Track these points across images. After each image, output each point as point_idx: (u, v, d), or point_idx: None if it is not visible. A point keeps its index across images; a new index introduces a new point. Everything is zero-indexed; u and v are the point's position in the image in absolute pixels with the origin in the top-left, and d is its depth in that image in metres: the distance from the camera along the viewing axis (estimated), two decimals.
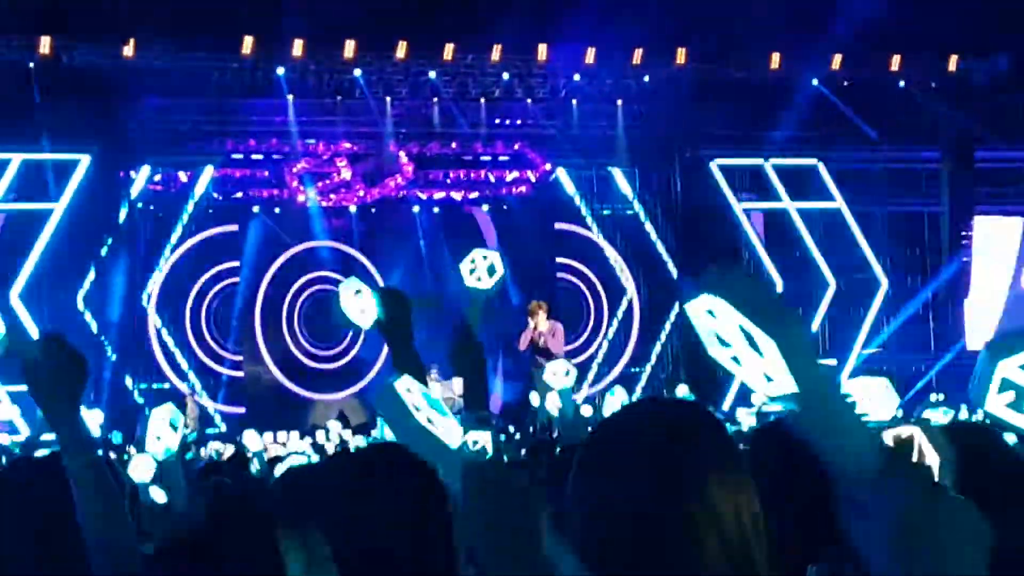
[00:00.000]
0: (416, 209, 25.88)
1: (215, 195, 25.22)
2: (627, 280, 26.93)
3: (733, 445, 2.32)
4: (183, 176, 25.02)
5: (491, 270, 5.82)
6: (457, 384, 24.88)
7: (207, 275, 25.64)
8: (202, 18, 23.12)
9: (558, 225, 26.60)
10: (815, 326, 26.46)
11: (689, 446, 2.24)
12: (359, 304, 5.20)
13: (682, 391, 22.93)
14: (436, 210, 26.02)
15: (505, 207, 26.10)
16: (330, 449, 17.24)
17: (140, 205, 24.68)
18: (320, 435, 19.56)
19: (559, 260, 26.79)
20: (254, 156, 25.27)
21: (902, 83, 26.66)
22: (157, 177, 24.87)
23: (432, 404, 2.84)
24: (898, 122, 26.35)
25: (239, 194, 25.29)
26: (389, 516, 3.04)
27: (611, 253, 26.77)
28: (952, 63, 26.82)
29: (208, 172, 24.92)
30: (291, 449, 18.15)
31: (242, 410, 24.94)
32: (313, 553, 2.35)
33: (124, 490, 4.19)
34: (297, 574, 2.53)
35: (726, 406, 22.86)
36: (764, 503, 2.31)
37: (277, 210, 25.34)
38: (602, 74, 25.94)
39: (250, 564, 2.62)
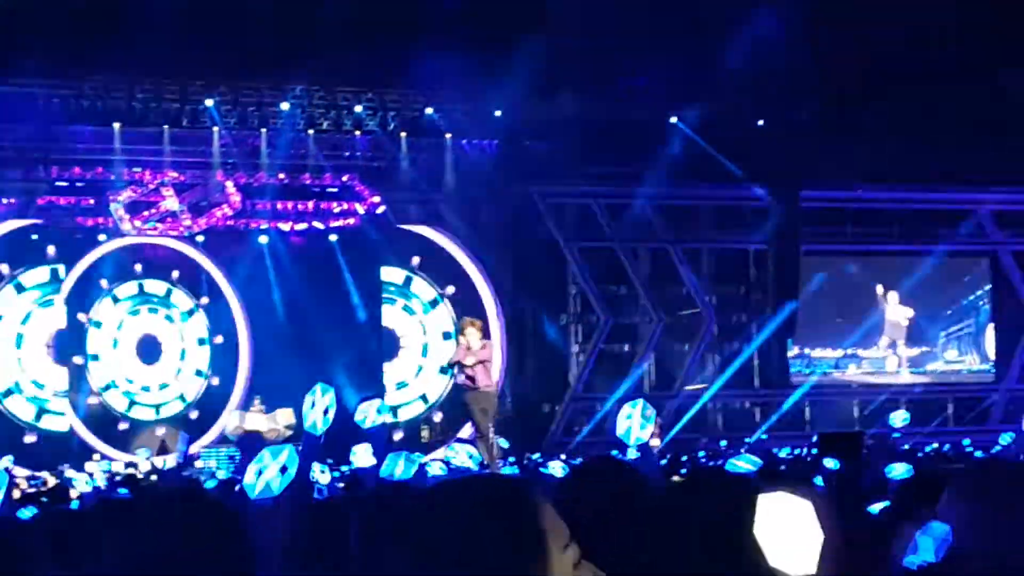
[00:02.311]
0: (264, 240, 26.17)
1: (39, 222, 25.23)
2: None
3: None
4: (5, 202, 25.07)
5: (325, 412, 6.15)
6: (282, 415, 25.29)
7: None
8: (31, 42, 23.22)
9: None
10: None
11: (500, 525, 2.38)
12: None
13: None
14: (263, 239, 26.27)
15: (333, 239, 26.44)
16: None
17: None
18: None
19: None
20: (79, 184, 25.28)
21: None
22: None
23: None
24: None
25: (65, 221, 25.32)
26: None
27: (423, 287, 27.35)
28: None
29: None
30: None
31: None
32: None
33: None
34: None
35: None
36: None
37: (102, 237, 25.40)
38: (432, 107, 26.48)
39: None
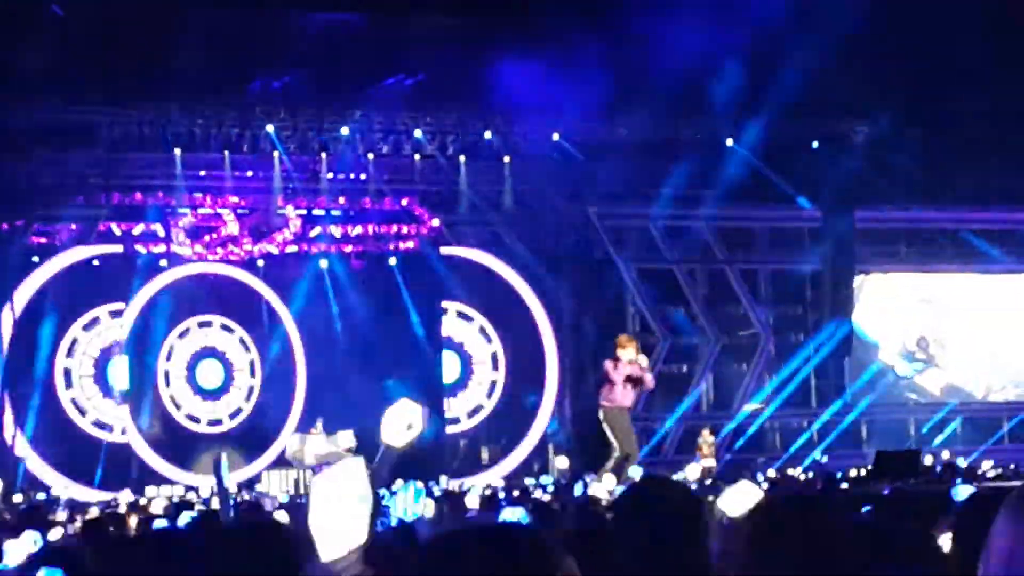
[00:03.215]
0: (324, 263, 26.40)
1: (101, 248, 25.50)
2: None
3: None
4: (71, 228, 25.35)
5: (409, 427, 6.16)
6: (343, 438, 25.46)
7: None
8: (93, 69, 23.52)
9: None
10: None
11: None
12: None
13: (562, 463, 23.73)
14: (323, 263, 26.49)
15: (392, 262, 26.66)
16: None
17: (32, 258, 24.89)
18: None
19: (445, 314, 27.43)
20: (140, 209, 25.54)
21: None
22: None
23: None
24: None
25: (119, 247, 25.54)
26: None
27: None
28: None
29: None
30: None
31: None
32: None
33: None
34: None
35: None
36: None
37: (164, 263, 25.63)
38: (491, 131, 26.74)
39: None
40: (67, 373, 25.92)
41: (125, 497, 21.64)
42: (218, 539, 3.44)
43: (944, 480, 17.65)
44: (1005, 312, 29.59)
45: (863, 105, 27.01)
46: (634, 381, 16.66)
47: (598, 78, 23.46)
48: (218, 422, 26.47)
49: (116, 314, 25.84)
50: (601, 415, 16.97)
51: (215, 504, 19.03)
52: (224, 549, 3.37)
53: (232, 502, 19.08)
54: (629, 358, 16.60)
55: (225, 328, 26.63)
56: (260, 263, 26.29)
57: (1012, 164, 27.66)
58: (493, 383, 28.00)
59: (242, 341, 26.71)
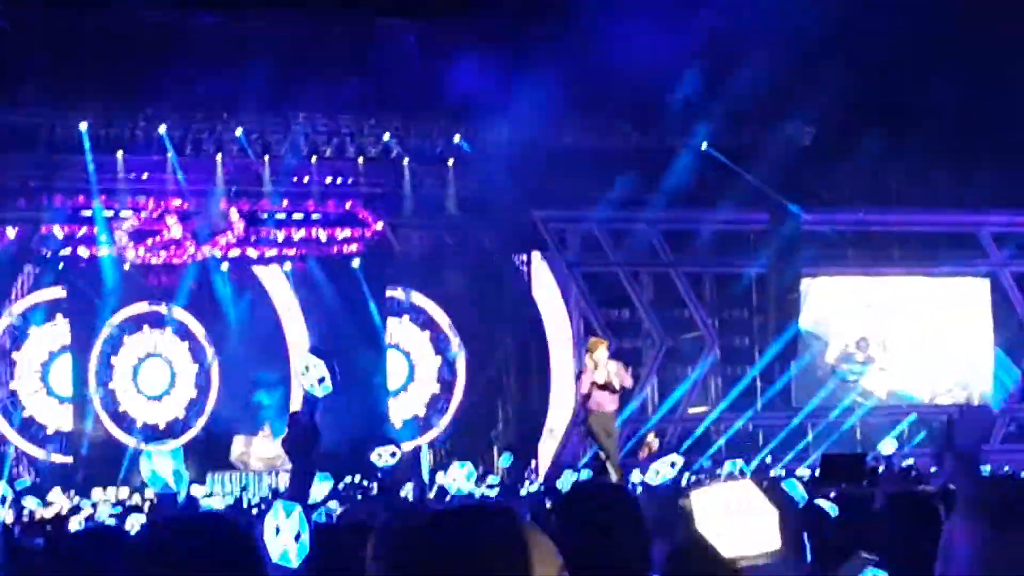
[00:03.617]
0: (288, 267, 26.60)
1: (43, 252, 25.43)
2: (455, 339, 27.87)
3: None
4: (10, 232, 25.26)
5: (320, 381, 6.29)
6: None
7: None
8: (32, 71, 23.50)
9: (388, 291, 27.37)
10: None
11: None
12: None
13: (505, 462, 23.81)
14: (272, 267, 26.50)
15: (338, 266, 26.71)
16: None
17: None
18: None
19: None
20: (83, 212, 25.47)
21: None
22: None
23: None
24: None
25: (67, 250, 25.48)
26: None
27: (437, 312, 27.65)
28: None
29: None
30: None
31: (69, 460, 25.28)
32: None
33: None
34: None
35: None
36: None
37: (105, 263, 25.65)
38: (434, 134, 26.75)
39: None
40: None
41: (66, 501, 21.58)
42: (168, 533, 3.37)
43: (891, 482, 17.75)
44: (950, 315, 29.73)
45: (811, 108, 27.09)
46: (608, 386, 16.91)
47: (546, 82, 23.52)
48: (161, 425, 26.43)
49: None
50: (587, 421, 17.39)
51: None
52: (175, 543, 3.32)
53: (179, 504, 19.03)
54: (599, 362, 16.88)
55: (172, 329, 26.63)
56: (224, 266, 26.34)
57: (960, 167, 27.87)
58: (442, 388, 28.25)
59: (189, 343, 26.72)
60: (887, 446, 21.99)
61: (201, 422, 26.48)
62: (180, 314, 26.45)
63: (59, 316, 26.12)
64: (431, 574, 2.31)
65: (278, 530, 4.99)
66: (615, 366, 17.62)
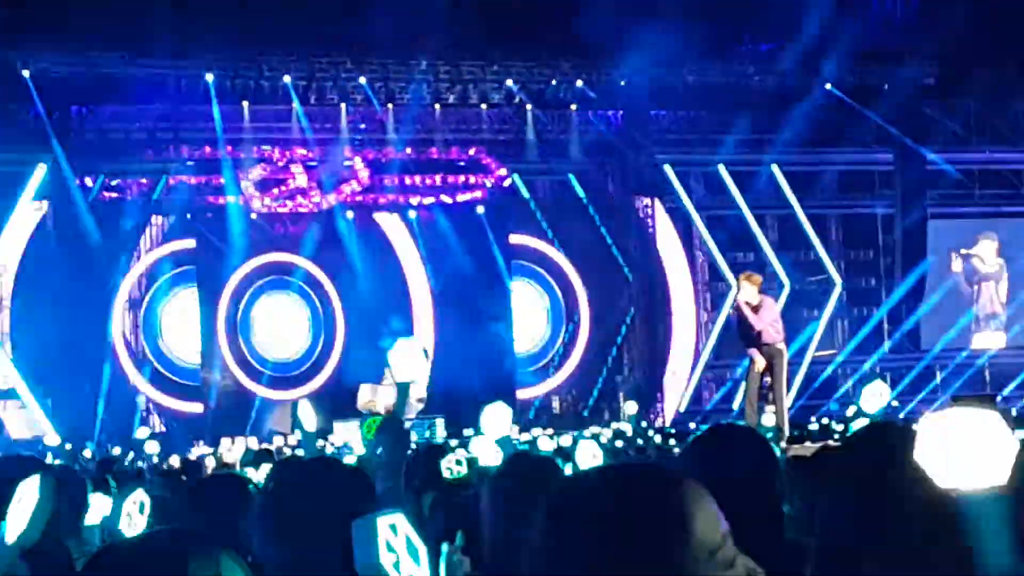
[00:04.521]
0: (413, 215, 26.90)
1: (172, 202, 25.75)
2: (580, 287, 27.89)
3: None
4: (138, 185, 25.59)
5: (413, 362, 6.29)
6: (412, 389, 25.56)
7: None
8: (159, 24, 23.66)
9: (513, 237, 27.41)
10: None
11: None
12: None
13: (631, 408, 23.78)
14: (391, 215, 26.63)
15: (461, 213, 26.78)
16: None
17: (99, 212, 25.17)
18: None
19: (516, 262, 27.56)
20: (209, 162, 25.73)
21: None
22: (115, 183, 25.43)
23: (410, 552, 2.88)
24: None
25: (194, 201, 25.77)
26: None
27: (561, 259, 27.70)
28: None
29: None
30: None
31: (200, 409, 25.58)
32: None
33: None
34: None
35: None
36: None
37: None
38: (556, 79, 26.70)
39: None
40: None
41: (199, 450, 21.85)
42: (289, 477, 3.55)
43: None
44: None
45: (933, 47, 26.75)
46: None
47: (667, 25, 23.40)
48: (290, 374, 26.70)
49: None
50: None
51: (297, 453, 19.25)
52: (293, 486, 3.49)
53: (314, 452, 19.27)
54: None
55: (300, 278, 26.80)
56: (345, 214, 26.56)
57: None
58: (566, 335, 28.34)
59: (315, 292, 26.90)
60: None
61: (328, 370, 26.63)
62: (306, 263, 26.56)
63: (188, 267, 26.36)
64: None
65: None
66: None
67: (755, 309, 15.94)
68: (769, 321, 16.03)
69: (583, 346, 28.04)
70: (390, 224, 27.10)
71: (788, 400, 24.34)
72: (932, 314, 28.50)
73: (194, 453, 20.96)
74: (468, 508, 4.42)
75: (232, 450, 20.80)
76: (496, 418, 9.73)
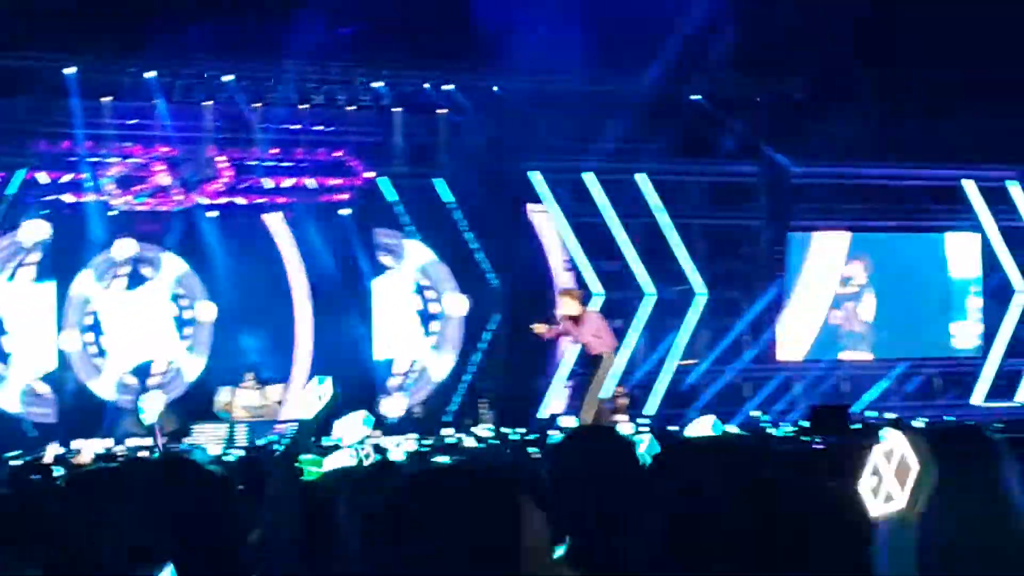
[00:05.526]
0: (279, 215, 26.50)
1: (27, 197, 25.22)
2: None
3: None
4: None
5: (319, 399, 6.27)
6: (272, 391, 25.46)
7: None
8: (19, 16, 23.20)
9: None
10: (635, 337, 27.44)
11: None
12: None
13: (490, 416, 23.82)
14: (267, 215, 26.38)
15: (327, 215, 26.61)
16: None
17: None
18: None
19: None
20: (69, 159, 25.22)
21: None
22: None
23: None
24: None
25: (51, 197, 25.24)
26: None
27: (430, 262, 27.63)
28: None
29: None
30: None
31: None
32: None
33: None
34: None
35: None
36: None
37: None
38: (425, 83, 26.63)
39: None
40: None
41: (52, 449, 21.47)
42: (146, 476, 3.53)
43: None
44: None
45: (806, 63, 27.09)
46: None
47: (535, 31, 23.40)
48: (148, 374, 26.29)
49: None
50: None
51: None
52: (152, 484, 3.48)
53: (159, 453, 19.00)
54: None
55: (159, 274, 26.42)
56: (211, 213, 26.14)
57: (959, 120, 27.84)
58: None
59: (177, 289, 26.54)
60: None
61: (189, 373, 26.32)
62: (168, 259, 26.19)
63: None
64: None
65: None
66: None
67: (576, 322, 17.30)
68: (591, 332, 17.32)
69: (452, 354, 27.98)
70: (255, 224, 26.80)
71: (625, 402, 24.74)
72: (792, 327, 28.92)
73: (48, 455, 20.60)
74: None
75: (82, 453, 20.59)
76: (350, 427, 9.78)
